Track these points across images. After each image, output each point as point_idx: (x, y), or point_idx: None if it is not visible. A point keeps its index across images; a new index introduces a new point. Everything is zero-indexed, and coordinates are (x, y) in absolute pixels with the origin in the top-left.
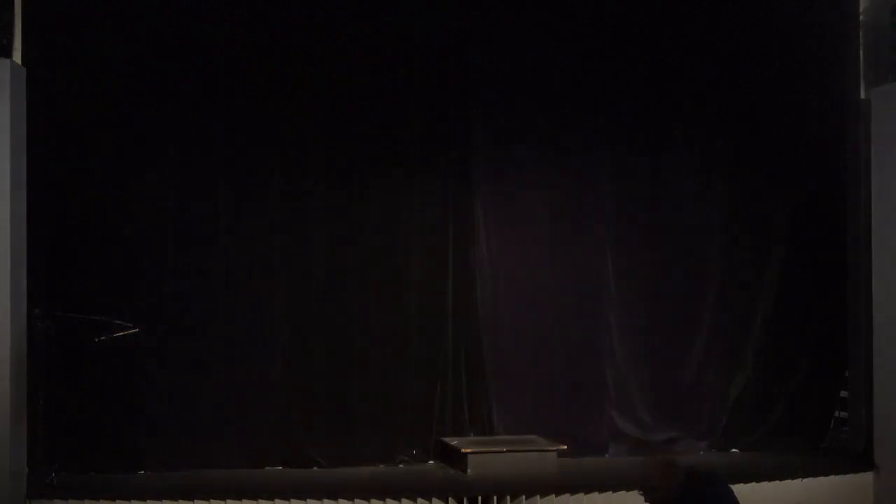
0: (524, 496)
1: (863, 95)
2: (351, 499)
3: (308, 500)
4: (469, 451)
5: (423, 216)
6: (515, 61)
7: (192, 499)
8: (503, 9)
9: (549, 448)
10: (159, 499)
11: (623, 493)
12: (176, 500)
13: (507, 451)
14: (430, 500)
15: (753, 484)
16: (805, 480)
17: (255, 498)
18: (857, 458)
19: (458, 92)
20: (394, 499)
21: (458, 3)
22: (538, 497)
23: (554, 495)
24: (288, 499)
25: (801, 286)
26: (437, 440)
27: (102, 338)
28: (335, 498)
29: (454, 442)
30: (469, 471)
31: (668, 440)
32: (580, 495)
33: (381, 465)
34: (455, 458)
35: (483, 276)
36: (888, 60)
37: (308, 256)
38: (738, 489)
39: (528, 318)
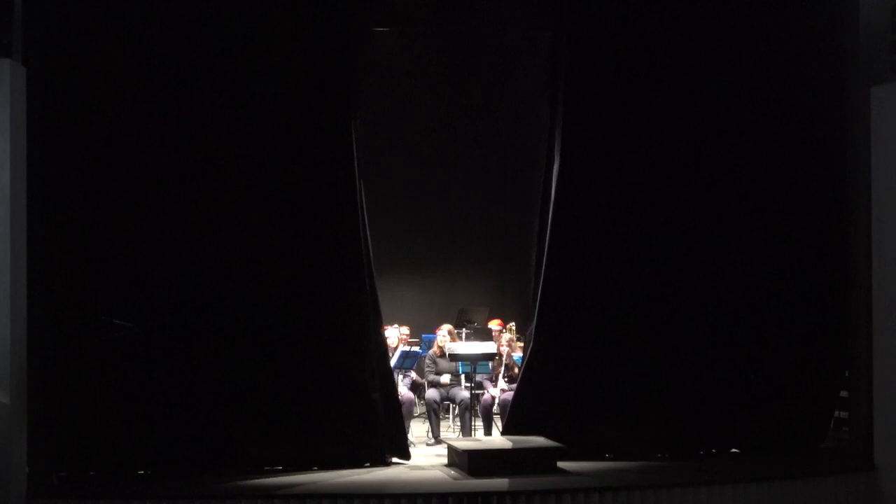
0: (524, 496)
1: (862, 95)
2: (350, 500)
3: (307, 502)
4: (469, 450)
5: None
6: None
7: (191, 499)
8: None
9: (550, 448)
10: (159, 499)
11: (623, 493)
12: (175, 500)
13: (508, 451)
14: (430, 500)
15: (753, 484)
16: (805, 480)
17: (254, 499)
18: (857, 458)
19: None
20: (393, 499)
21: None
22: (538, 497)
23: (554, 496)
24: (288, 500)
25: (801, 286)
26: (437, 440)
27: (102, 338)
28: (334, 499)
29: (455, 442)
30: (469, 471)
31: (667, 441)
32: (580, 496)
33: (367, 464)
34: (455, 458)
35: None
36: (888, 60)
37: (306, 257)
38: (739, 489)
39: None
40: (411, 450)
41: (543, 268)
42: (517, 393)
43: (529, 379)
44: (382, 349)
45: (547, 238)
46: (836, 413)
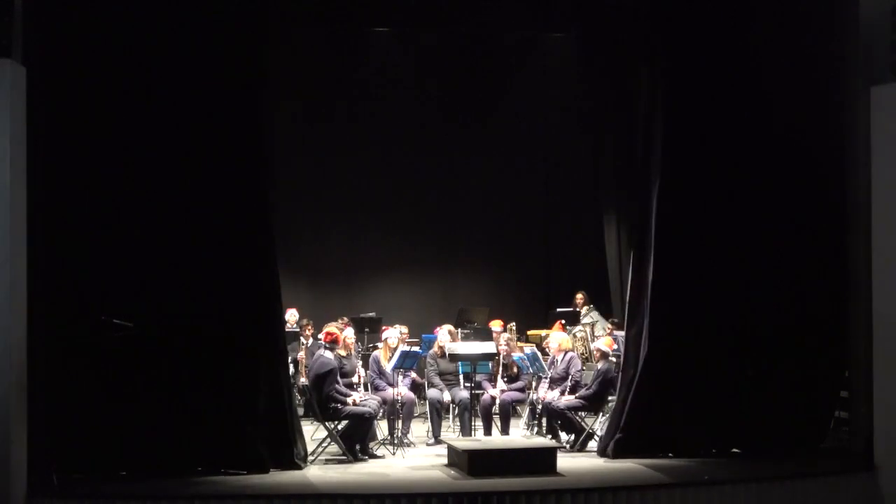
0: (524, 496)
1: (862, 95)
2: (350, 500)
3: (307, 502)
4: (469, 450)
5: None
6: None
7: (191, 499)
8: None
9: (550, 448)
10: (158, 499)
11: (622, 493)
12: (175, 500)
13: (508, 451)
14: (430, 500)
15: (753, 484)
16: (805, 480)
17: (255, 499)
18: (857, 458)
19: None
20: (393, 499)
21: None
22: (538, 497)
23: (554, 496)
24: (288, 500)
25: (801, 286)
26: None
27: (102, 338)
28: (334, 499)
29: (455, 442)
30: (469, 471)
31: (668, 442)
32: (580, 496)
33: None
34: (455, 458)
35: None
36: (888, 60)
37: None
38: (739, 489)
39: None
40: (411, 450)
41: (651, 277)
42: (633, 400)
43: (646, 384)
44: (278, 356)
45: (652, 253)
46: (836, 413)
